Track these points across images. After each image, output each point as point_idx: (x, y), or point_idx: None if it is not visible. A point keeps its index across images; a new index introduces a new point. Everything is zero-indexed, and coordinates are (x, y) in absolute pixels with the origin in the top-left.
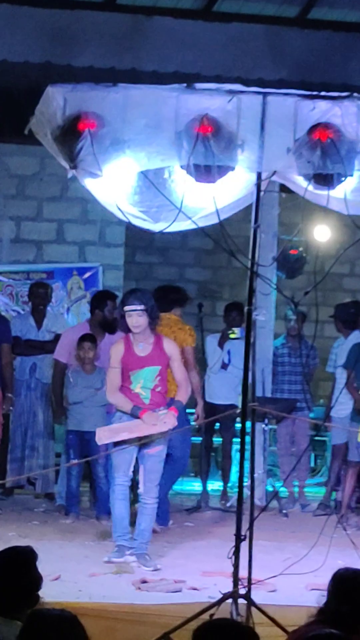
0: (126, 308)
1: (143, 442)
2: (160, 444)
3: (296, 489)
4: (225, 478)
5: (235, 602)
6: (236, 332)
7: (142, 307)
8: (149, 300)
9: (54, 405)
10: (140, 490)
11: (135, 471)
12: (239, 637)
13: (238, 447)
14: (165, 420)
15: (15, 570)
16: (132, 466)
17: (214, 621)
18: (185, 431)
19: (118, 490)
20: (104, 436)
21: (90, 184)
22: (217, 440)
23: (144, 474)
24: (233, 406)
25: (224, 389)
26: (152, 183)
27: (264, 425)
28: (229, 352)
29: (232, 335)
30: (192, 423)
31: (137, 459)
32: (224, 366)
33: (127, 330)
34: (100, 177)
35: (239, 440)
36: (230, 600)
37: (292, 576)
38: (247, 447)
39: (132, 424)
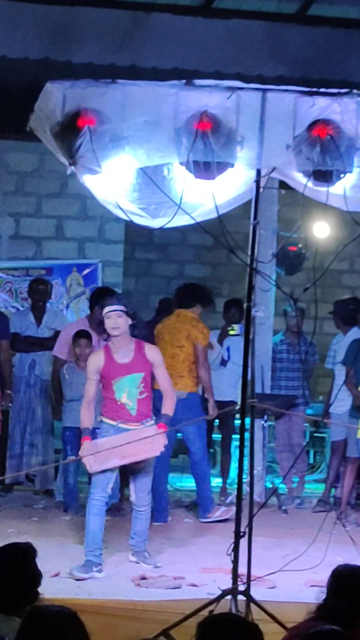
0: (105, 309)
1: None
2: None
3: (295, 485)
4: (225, 474)
5: (234, 598)
6: (235, 329)
7: (121, 307)
8: (127, 303)
9: (53, 401)
10: (132, 499)
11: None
12: (243, 632)
13: (237, 443)
14: (156, 441)
15: (15, 566)
16: (111, 483)
17: (219, 615)
18: (201, 423)
19: (94, 505)
20: (94, 464)
21: (89, 181)
22: (216, 436)
23: (134, 485)
24: (232, 402)
25: (224, 386)
26: (151, 179)
27: (263, 422)
28: (228, 349)
29: (231, 332)
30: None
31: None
32: (224, 363)
33: (106, 335)
34: (99, 173)
35: (238, 436)
36: (229, 597)
37: (292, 573)
38: (247, 443)
39: (122, 447)
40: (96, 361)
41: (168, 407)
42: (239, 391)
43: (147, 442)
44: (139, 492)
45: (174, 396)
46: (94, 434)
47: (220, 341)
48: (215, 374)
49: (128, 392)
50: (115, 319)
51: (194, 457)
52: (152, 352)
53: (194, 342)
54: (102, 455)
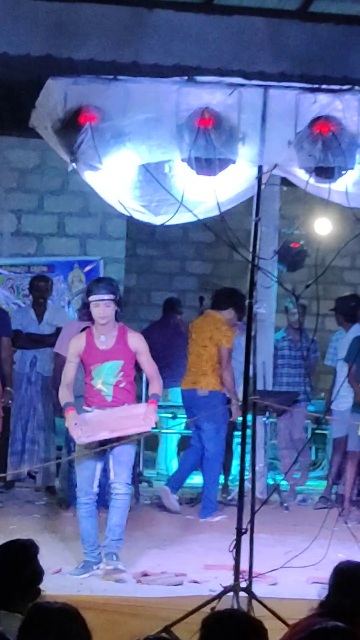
0: (92, 298)
1: (112, 446)
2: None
3: (297, 475)
4: (227, 471)
5: (236, 595)
6: None
7: (110, 296)
8: (116, 289)
9: (55, 398)
10: (111, 478)
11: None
12: (248, 628)
13: (239, 440)
14: (148, 417)
15: (17, 563)
16: (96, 480)
17: (224, 611)
18: (220, 424)
19: (82, 509)
20: (82, 434)
21: (90, 178)
22: None
23: (113, 461)
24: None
25: None
26: (153, 176)
27: (264, 419)
28: None
29: None
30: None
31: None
32: None
33: (89, 320)
34: (100, 169)
35: (239, 433)
36: (231, 594)
37: (293, 569)
38: (248, 440)
39: (111, 419)
40: (77, 345)
41: (156, 388)
42: (240, 387)
43: (138, 417)
44: (116, 466)
45: (159, 379)
46: None
47: None
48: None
49: (104, 379)
50: (104, 308)
51: (208, 455)
52: (134, 339)
53: (217, 344)
54: (90, 428)
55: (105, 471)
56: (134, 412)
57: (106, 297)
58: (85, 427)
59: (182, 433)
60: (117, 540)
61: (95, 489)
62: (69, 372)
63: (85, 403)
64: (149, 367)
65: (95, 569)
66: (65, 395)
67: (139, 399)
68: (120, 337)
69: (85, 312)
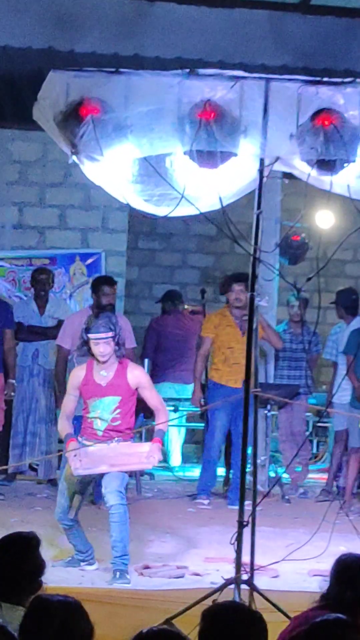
0: (91, 336)
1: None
2: None
3: (299, 469)
4: (229, 464)
5: (237, 587)
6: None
7: (109, 334)
8: (115, 325)
9: (57, 391)
10: (102, 491)
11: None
12: (247, 620)
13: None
14: (151, 456)
15: (18, 555)
16: (72, 511)
17: (224, 603)
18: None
19: (62, 527)
20: (81, 467)
21: (91, 170)
22: None
23: (103, 481)
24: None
25: None
26: (155, 169)
27: (266, 412)
28: None
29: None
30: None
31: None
32: None
33: (90, 355)
34: (101, 162)
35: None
36: (232, 586)
37: (295, 562)
38: (250, 433)
39: (113, 454)
40: (76, 377)
41: (162, 421)
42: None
43: (140, 455)
44: (106, 478)
45: (166, 413)
46: None
47: None
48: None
49: (100, 414)
50: (104, 346)
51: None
52: (134, 373)
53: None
54: (90, 461)
55: None
56: (137, 450)
57: (104, 335)
58: (86, 459)
59: (184, 425)
60: (121, 556)
61: (71, 517)
62: (69, 404)
63: (80, 432)
64: (154, 400)
65: (81, 566)
66: (64, 427)
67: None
68: (119, 372)
69: (85, 349)
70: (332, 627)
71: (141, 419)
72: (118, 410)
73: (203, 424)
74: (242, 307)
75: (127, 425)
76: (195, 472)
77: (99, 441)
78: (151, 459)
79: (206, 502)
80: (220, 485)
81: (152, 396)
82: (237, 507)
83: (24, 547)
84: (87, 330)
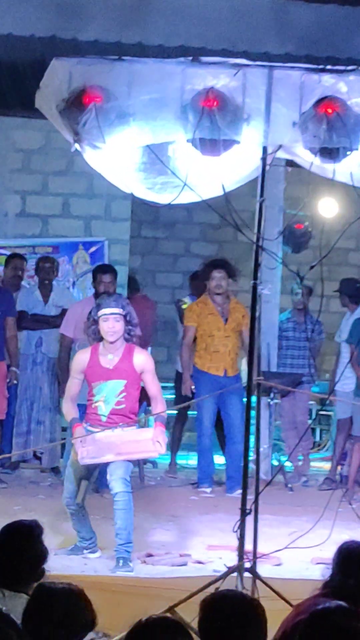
0: (102, 312)
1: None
2: None
3: (300, 463)
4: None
5: (240, 575)
6: (187, 302)
7: (120, 310)
8: (126, 305)
9: (60, 379)
10: (108, 478)
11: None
12: (245, 608)
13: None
14: (157, 442)
15: (20, 544)
16: (80, 494)
17: (222, 592)
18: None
19: (69, 512)
20: (87, 456)
21: (92, 158)
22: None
23: (110, 468)
24: None
25: None
26: (157, 157)
27: (269, 400)
28: None
29: (184, 306)
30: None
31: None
32: None
33: (98, 339)
34: (103, 150)
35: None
36: (235, 574)
37: (298, 550)
38: (253, 421)
39: (119, 442)
40: (81, 360)
41: (160, 408)
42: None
43: (146, 442)
44: (112, 466)
45: (163, 400)
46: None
47: (181, 318)
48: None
49: (105, 398)
50: (113, 322)
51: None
52: (141, 357)
53: None
54: (96, 449)
55: None
56: (142, 436)
57: (115, 310)
58: (91, 447)
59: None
60: (125, 544)
61: (79, 502)
62: (73, 387)
63: (84, 418)
64: (153, 386)
65: (84, 554)
66: (69, 410)
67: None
68: (125, 355)
69: (93, 331)
70: (334, 615)
71: (144, 406)
72: (123, 394)
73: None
74: (223, 293)
75: (131, 410)
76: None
77: (103, 427)
78: (157, 445)
79: (208, 490)
80: (223, 474)
81: (152, 383)
82: (234, 495)
83: (27, 535)
84: (98, 306)
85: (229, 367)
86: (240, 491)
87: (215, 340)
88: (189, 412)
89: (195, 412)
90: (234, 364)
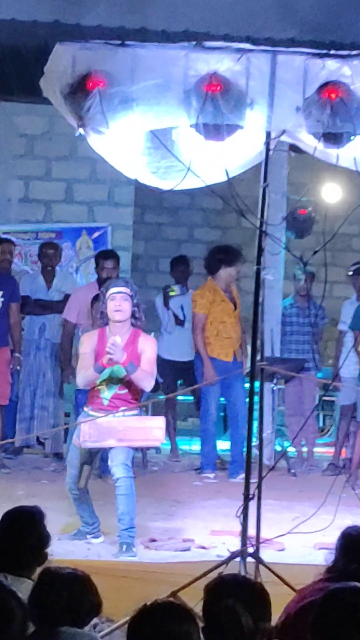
0: (110, 291)
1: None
2: None
3: (305, 454)
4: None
5: (243, 560)
6: (175, 290)
7: (128, 290)
8: (133, 286)
9: (62, 364)
10: (109, 463)
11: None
12: (250, 593)
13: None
14: (158, 432)
15: (22, 530)
16: (82, 479)
17: (226, 576)
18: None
19: (72, 497)
20: (89, 439)
21: (97, 143)
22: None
23: (111, 454)
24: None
25: (184, 346)
26: (161, 142)
27: (272, 385)
28: (182, 308)
29: (172, 293)
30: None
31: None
32: (180, 322)
33: (105, 323)
34: (107, 135)
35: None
36: (238, 559)
37: (301, 535)
38: (256, 407)
39: (121, 427)
40: (90, 339)
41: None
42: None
43: (149, 430)
44: (113, 451)
45: (150, 379)
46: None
47: (166, 304)
48: (173, 335)
49: (108, 382)
50: (121, 301)
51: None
52: (145, 343)
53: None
54: (98, 433)
55: None
56: (146, 424)
57: (123, 289)
58: (93, 431)
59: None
60: (128, 529)
61: (81, 487)
62: (86, 360)
63: (86, 402)
64: (146, 365)
65: (87, 539)
66: (88, 370)
67: None
68: (131, 340)
69: (101, 313)
70: (349, 596)
71: (147, 393)
72: (126, 379)
73: (192, 397)
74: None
75: (133, 394)
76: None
77: (104, 411)
78: (157, 435)
79: (212, 475)
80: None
81: (146, 362)
82: (235, 480)
83: (28, 522)
84: (106, 287)
85: (238, 353)
86: (243, 476)
87: (227, 327)
88: (182, 398)
89: (190, 397)
90: (243, 349)
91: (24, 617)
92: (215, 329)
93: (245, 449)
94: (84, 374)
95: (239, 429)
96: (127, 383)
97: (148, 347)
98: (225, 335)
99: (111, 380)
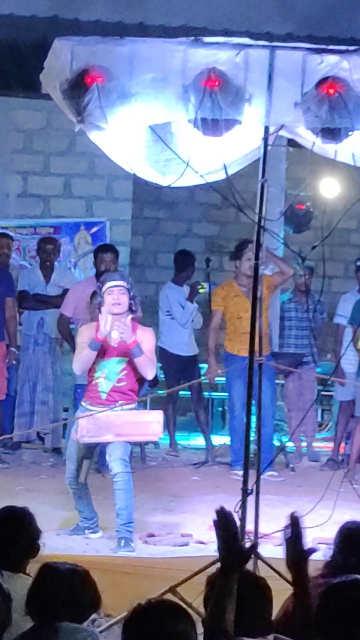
0: (107, 285)
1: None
2: None
3: (304, 449)
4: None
5: None
6: (205, 287)
7: (124, 283)
8: (129, 280)
9: (64, 336)
10: (107, 459)
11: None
12: (252, 586)
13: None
14: (157, 426)
15: (12, 531)
16: (82, 474)
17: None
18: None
19: (71, 492)
20: (86, 434)
21: (97, 138)
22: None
23: (109, 449)
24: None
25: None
26: (159, 137)
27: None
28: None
29: (201, 290)
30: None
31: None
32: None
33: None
34: (106, 130)
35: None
36: None
37: None
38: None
39: (119, 422)
40: (89, 330)
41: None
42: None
43: (147, 425)
44: (110, 446)
45: (151, 367)
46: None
47: (191, 299)
48: (186, 330)
49: (106, 375)
50: (118, 294)
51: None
52: (143, 334)
53: None
54: (96, 428)
55: None
56: (144, 419)
57: (120, 283)
58: (91, 426)
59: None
60: (126, 524)
61: (81, 482)
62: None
63: (84, 397)
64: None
65: (85, 534)
66: (85, 350)
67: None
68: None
69: (99, 307)
70: (351, 589)
71: (146, 387)
72: (124, 372)
73: (190, 393)
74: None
75: (132, 388)
76: (200, 440)
77: (102, 405)
78: (155, 430)
79: (240, 473)
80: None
81: (147, 352)
82: (236, 472)
83: (17, 523)
84: (103, 282)
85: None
86: (270, 473)
87: (243, 322)
88: (181, 393)
89: (189, 393)
90: (265, 344)
91: (7, 609)
92: (232, 325)
93: (267, 446)
94: (80, 355)
95: (265, 427)
96: (125, 376)
97: (146, 338)
98: (242, 330)
99: (109, 374)
